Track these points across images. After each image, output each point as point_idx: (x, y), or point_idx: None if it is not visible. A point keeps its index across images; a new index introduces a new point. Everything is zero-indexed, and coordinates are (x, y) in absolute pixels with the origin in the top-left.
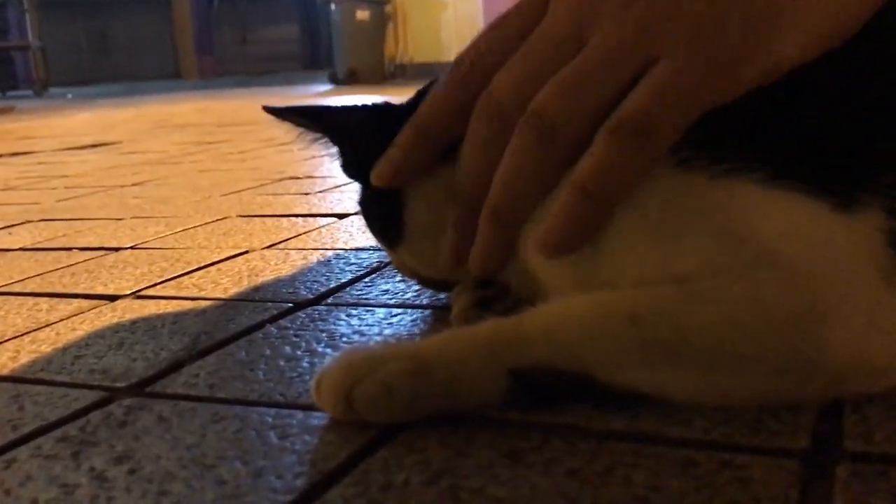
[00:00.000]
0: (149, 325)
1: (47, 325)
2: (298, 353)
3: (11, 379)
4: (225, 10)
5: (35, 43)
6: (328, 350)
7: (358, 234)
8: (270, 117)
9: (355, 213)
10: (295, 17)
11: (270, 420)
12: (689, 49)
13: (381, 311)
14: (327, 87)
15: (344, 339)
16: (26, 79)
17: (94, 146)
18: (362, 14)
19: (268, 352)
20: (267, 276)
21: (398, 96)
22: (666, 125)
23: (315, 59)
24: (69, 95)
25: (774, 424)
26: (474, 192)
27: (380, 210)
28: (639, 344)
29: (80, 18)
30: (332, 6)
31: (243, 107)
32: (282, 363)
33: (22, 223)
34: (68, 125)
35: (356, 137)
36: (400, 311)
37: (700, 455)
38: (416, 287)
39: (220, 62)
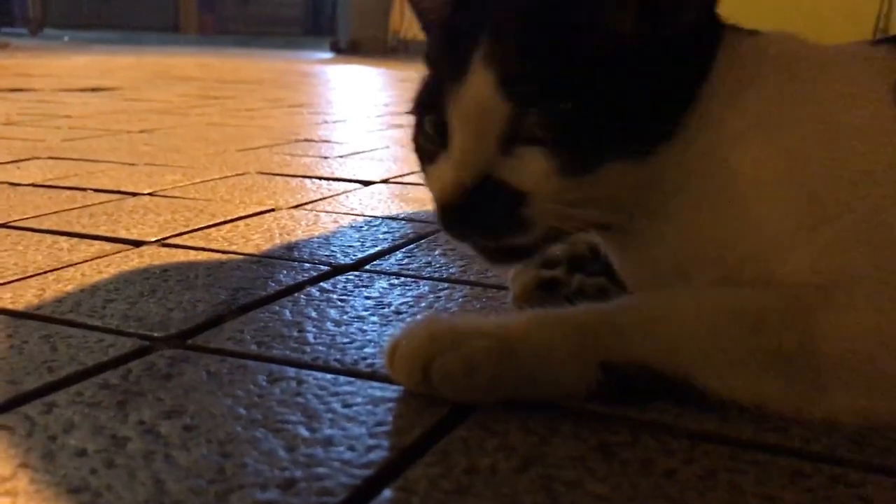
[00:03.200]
0: (181, 275)
1: (70, 265)
2: (346, 318)
3: (39, 318)
4: None
5: None
6: (376, 318)
7: (385, 203)
8: (273, 77)
9: (380, 181)
10: None
11: (331, 387)
12: None
13: (426, 284)
14: (328, 55)
15: (392, 308)
16: (22, 17)
17: (94, 90)
18: None
19: (314, 314)
20: (299, 235)
21: (401, 70)
22: None
23: (317, 26)
24: (66, 38)
25: (880, 440)
26: None
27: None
28: (756, 353)
29: None
30: None
31: (244, 66)
32: (331, 327)
33: (30, 159)
34: (66, 67)
35: None
36: (447, 285)
37: (806, 466)
38: (461, 261)
39: (220, 20)
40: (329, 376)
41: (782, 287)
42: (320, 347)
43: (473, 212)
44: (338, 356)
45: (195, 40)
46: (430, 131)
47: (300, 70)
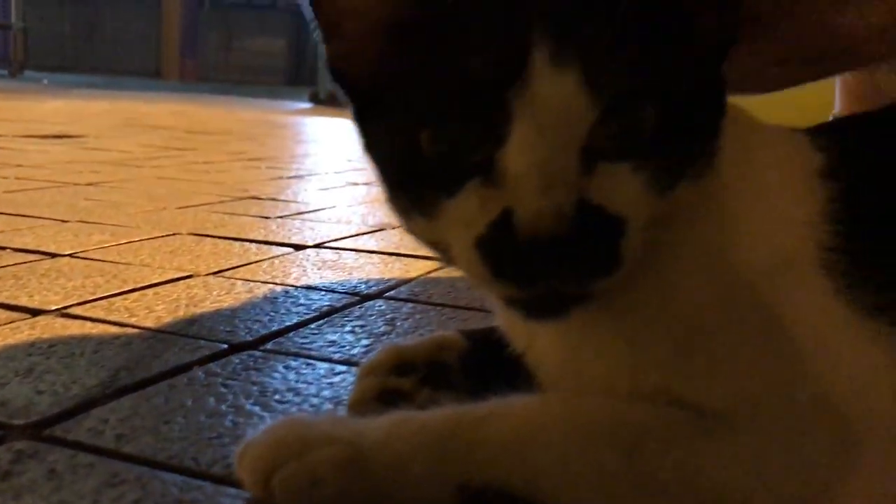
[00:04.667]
0: (67, 351)
1: None
2: (223, 407)
3: None
4: (214, 16)
5: (17, 24)
6: (256, 408)
7: (311, 270)
8: (241, 128)
9: (313, 246)
10: (283, 32)
11: (176, 491)
12: None
13: (323, 366)
14: (308, 105)
15: (277, 396)
16: (4, 58)
17: (58, 137)
18: None
19: (189, 402)
20: (206, 307)
21: None
22: None
23: (299, 76)
24: (45, 80)
25: None
26: None
27: None
28: (629, 480)
29: (67, 4)
30: None
31: (219, 115)
32: (202, 418)
33: None
34: (38, 111)
35: None
36: (344, 368)
37: None
38: (367, 339)
39: (202, 67)
40: (179, 478)
41: (670, 406)
42: (183, 443)
43: (573, 246)
44: (197, 454)
45: (176, 86)
46: (447, 147)
47: (274, 121)
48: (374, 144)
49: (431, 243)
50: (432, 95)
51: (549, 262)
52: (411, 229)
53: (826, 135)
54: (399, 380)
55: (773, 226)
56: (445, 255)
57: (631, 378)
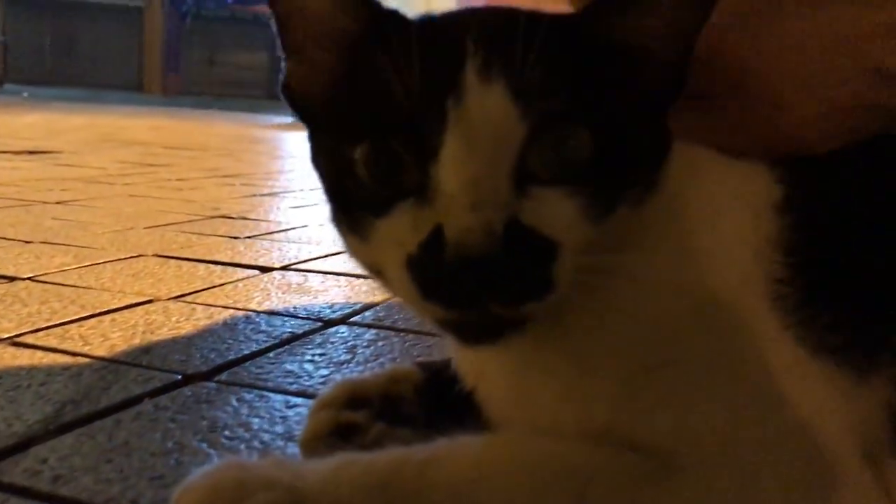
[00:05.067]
0: (13, 383)
1: None
2: (169, 445)
3: None
4: (197, 30)
5: None
6: (203, 446)
7: (275, 294)
8: (219, 144)
9: (280, 268)
10: (266, 46)
11: None
12: None
13: (277, 399)
14: (288, 119)
15: (227, 432)
16: None
17: (32, 152)
18: None
19: (134, 439)
20: (163, 334)
21: None
22: None
23: None
24: (25, 94)
25: None
26: None
27: None
28: None
29: (48, 18)
30: None
31: (198, 130)
32: (146, 457)
33: None
34: (13, 125)
35: None
36: (299, 400)
37: None
38: (326, 370)
39: (185, 81)
40: None
41: (619, 446)
42: (122, 484)
43: (502, 266)
44: (137, 496)
45: (158, 100)
46: (380, 165)
47: (253, 135)
48: (317, 165)
49: (369, 266)
50: (368, 113)
51: (477, 283)
52: (351, 252)
53: (791, 168)
54: (353, 414)
55: (723, 258)
56: (382, 278)
57: (578, 415)
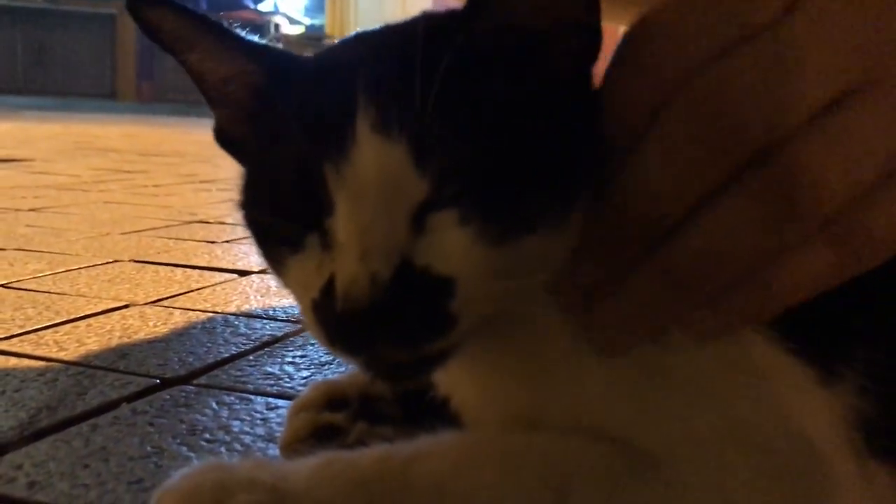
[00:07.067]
0: None
1: None
2: (148, 448)
3: None
4: None
5: None
6: (183, 449)
7: (253, 297)
8: (196, 150)
9: (258, 271)
10: None
11: None
12: None
13: (258, 401)
14: None
15: (206, 435)
16: None
17: (3, 160)
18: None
19: (112, 443)
20: (140, 338)
21: None
22: None
23: None
24: None
25: None
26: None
27: None
28: None
29: (19, 26)
30: (280, 46)
31: (173, 136)
32: (124, 461)
33: None
34: None
35: None
36: (280, 402)
37: None
38: (307, 371)
39: (158, 88)
40: None
41: (601, 442)
42: (98, 489)
43: (390, 314)
44: (115, 501)
45: (132, 107)
46: (286, 208)
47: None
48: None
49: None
50: (269, 159)
51: (365, 331)
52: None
53: None
54: (332, 415)
55: None
56: None
57: (555, 414)
